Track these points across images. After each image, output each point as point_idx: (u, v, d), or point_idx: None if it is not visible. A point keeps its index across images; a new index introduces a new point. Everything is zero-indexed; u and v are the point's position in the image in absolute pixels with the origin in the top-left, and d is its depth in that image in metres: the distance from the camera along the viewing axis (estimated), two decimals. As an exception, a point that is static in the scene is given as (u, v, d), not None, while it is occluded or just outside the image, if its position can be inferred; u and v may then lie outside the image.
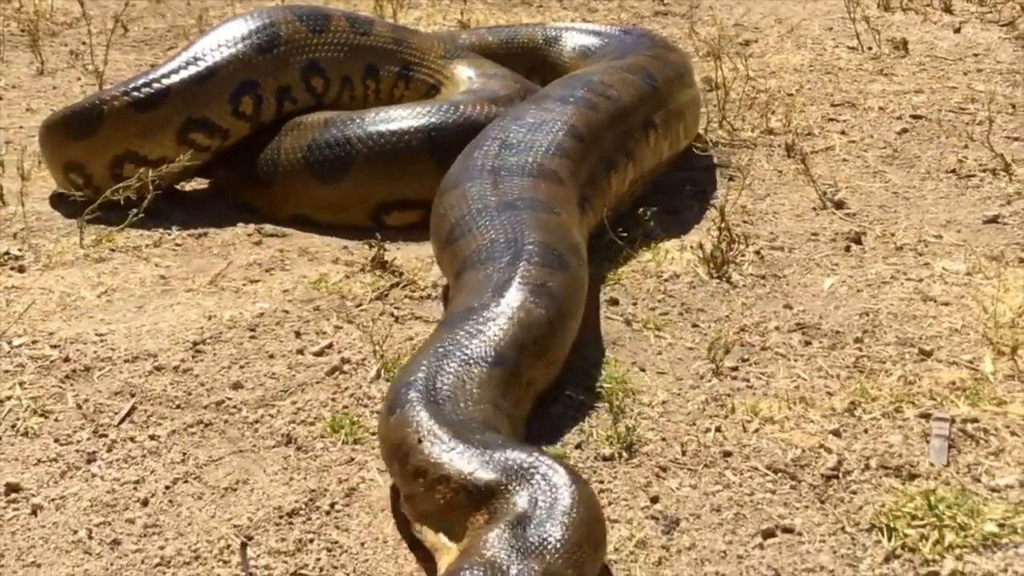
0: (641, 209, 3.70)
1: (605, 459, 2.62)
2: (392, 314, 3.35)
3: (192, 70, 4.08)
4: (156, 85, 4.04)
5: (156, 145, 4.04)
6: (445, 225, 3.28)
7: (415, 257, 3.73)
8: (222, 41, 4.17)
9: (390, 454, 2.42)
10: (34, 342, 3.17)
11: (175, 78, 4.07)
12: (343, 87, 4.40)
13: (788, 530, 2.38)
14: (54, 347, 3.15)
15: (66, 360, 3.08)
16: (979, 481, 2.52)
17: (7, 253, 3.75)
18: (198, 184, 4.50)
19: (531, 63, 5.04)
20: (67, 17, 6.96)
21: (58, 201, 4.26)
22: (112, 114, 4.03)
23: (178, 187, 4.40)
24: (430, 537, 2.26)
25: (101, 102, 4.07)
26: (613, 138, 3.79)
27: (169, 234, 3.95)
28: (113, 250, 3.82)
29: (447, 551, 2.19)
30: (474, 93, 4.28)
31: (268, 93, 4.18)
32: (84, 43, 6.06)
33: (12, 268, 3.65)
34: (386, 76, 4.46)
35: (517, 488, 2.15)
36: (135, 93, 4.03)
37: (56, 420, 2.83)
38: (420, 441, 2.31)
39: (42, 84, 5.81)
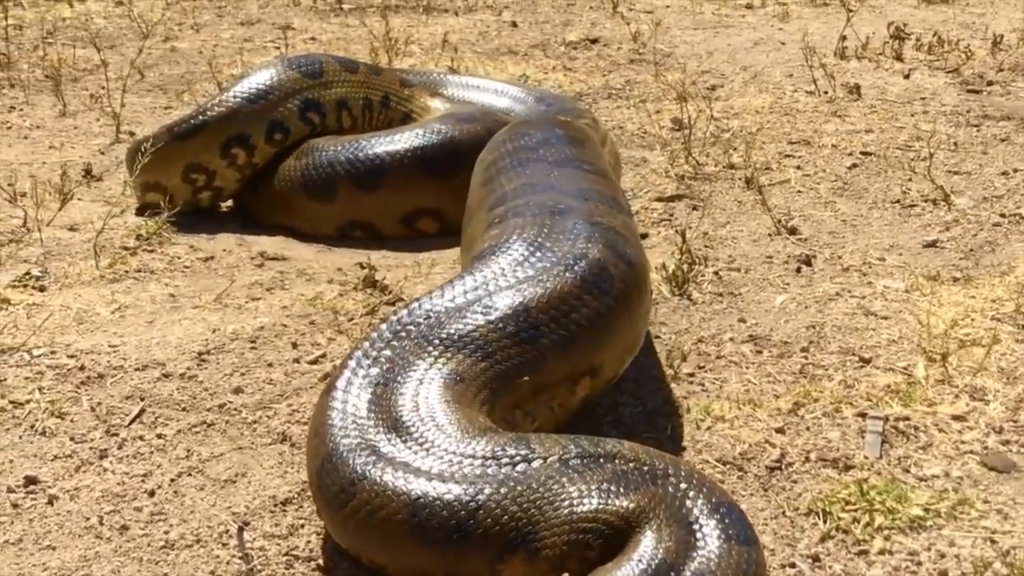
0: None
1: (571, 454, 2.71)
2: (381, 327, 3.45)
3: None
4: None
5: None
6: None
7: (404, 277, 3.83)
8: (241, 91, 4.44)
9: None
10: (52, 352, 3.27)
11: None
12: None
13: (734, 515, 2.47)
14: (71, 357, 3.24)
15: (81, 368, 3.17)
16: (908, 472, 2.62)
17: (28, 274, 3.84)
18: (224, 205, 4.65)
19: None
20: (88, 64, 7.08)
21: (75, 229, 4.36)
22: None
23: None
24: None
25: None
26: None
27: (179, 258, 4.06)
28: (127, 272, 3.92)
29: None
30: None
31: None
32: (103, 87, 6.19)
33: (33, 287, 3.75)
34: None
35: None
36: None
37: (72, 421, 2.92)
38: None
39: (64, 124, 5.92)
